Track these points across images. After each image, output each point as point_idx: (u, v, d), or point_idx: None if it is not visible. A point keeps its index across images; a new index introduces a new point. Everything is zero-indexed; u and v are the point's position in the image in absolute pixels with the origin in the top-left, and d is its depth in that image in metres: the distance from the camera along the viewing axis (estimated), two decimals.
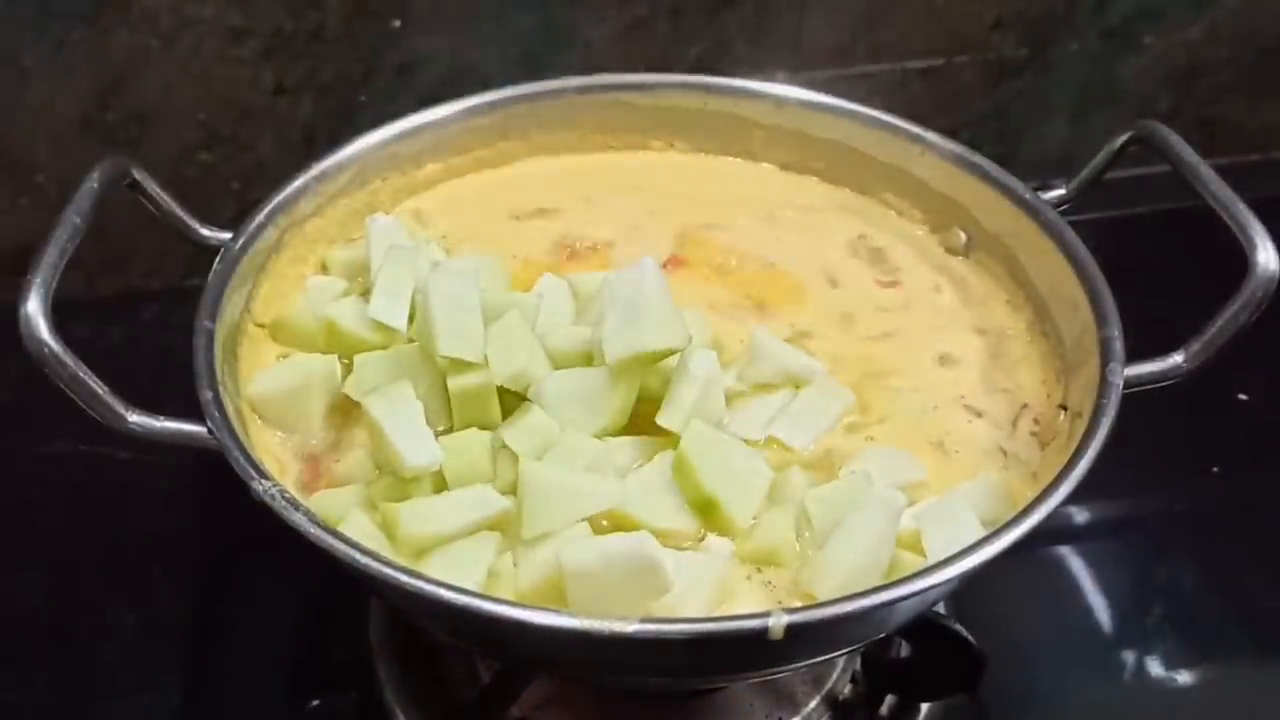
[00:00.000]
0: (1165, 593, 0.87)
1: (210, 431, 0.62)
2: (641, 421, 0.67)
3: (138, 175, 0.72)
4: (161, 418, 0.62)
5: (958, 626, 0.73)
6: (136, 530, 0.89)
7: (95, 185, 0.67)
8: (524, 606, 0.55)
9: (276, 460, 0.68)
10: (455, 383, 0.66)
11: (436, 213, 0.85)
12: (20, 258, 0.64)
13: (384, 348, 0.70)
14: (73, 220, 0.64)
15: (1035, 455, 0.70)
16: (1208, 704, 0.81)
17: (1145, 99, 1.18)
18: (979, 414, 0.72)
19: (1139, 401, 0.65)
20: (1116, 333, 0.68)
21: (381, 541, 0.61)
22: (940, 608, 0.78)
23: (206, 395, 0.63)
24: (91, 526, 0.89)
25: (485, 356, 0.66)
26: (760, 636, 0.53)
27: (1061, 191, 0.80)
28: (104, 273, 1.06)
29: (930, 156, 0.82)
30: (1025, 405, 0.72)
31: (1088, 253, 0.73)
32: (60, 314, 0.60)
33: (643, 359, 0.65)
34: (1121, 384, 0.65)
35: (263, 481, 0.59)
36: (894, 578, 0.57)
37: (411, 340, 0.70)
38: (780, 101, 0.86)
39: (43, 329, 0.59)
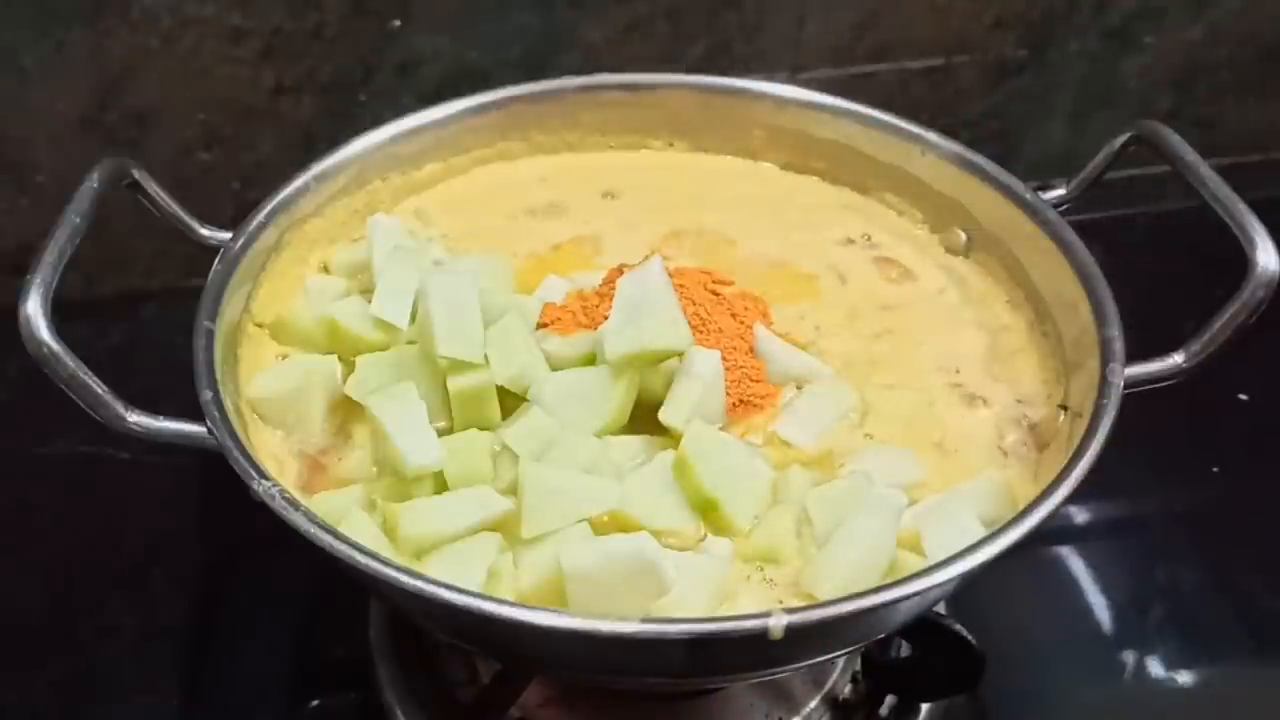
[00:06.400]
0: (1165, 593, 0.87)
1: (210, 431, 0.62)
2: (642, 422, 0.67)
3: (138, 175, 0.72)
4: (161, 418, 0.62)
5: (958, 626, 0.73)
6: (136, 530, 0.89)
7: (95, 185, 0.67)
8: (524, 606, 0.55)
9: (276, 460, 0.68)
10: (455, 383, 0.66)
11: (437, 212, 0.85)
12: (20, 258, 0.64)
13: (385, 348, 0.70)
14: (73, 220, 0.64)
15: (1035, 455, 0.70)
16: (1208, 704, 0.81)
17: (1145, 99, 1.18)
18: (979, 413, 0.72)
19: (1139, 401, 0.65)
20: (1116, 333, 0.68)
21: (382, 541, 0.61)
22: (940, 608, 0.78)
23: (206, 395, 0.63)
24: (91, 526, 0.89)
25: (485, 357, 0.66)
26: (760, 636, 0.53)
27: (1061, 191, 0.80)
28: (104, 273, 1.06)
29: (930, 156, 0.82)
30: (1025, 405, 0.72)
31: (1088, 253, 0.73)
32: (60, 314, 0.60)
33: (643, 358, 0.65)
34: (1121, 384, 0.65)
35: (262, 481, 0.59)
36: (894, 578, 0.57)
37: (412, 341, 0.70)
38: (781, 101, 0.86)
39: (43, 329, 0.59)
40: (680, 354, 0.67)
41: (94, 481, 0.91)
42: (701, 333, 0.70)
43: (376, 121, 0.83)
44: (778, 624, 0.53)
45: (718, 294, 0.75)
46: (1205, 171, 0.70)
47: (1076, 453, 0.62)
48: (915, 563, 0.61)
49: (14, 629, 0.83)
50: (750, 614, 0.54)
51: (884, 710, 0.78)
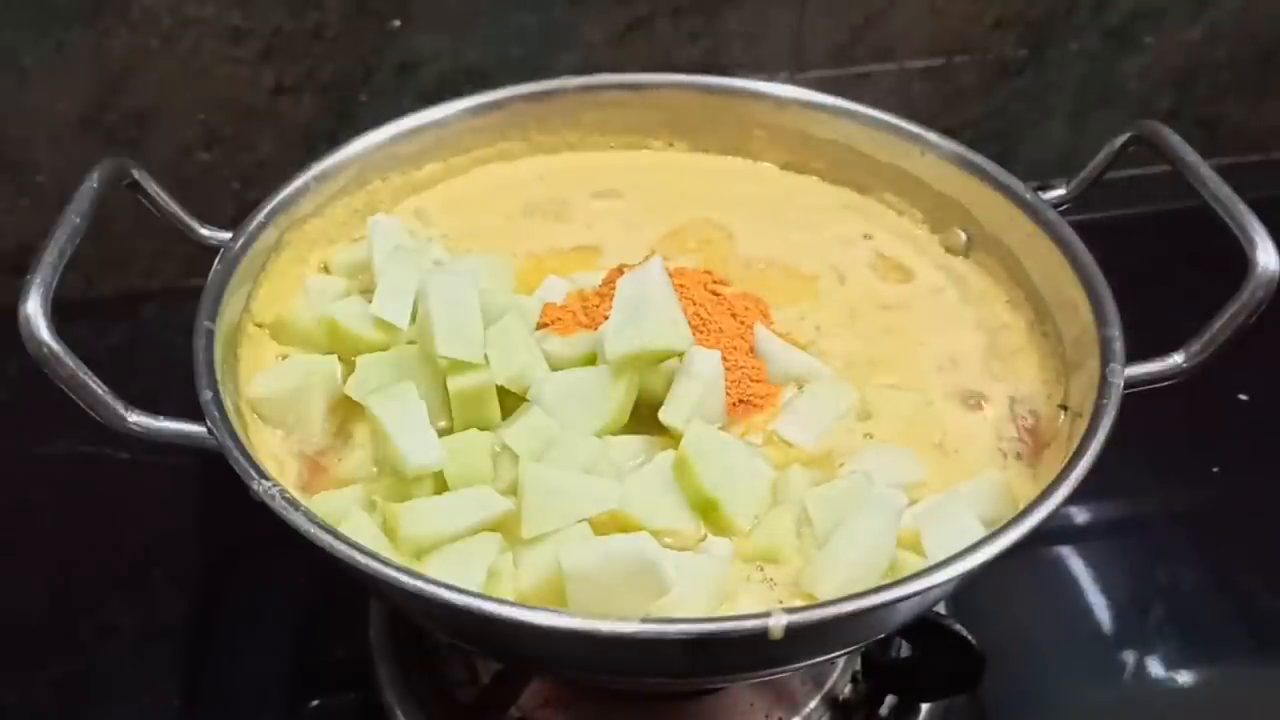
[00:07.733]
0: (1165, 593, 0.87)
1: (210, 431, 0.62)
2: (642, 422, 0.67)
3: (138, 175, 0.72)
4: (161, 418, 0.62)
5: (958, 626, 0.73)
6: (136, 530, 0.89)
7: (95, 185, 0.67)
8: (524, 606, 0.55)
9: (276, 460, 0.68)
10: (455, 383, 0.66)
11: (437, 212, 0.85)
12: (20, 258, 0.64)
13: (385, 348, 0.70)
14: (73, 220, 0.64)
15: (1035, 455, 0.70)
16: (1208, 704, 0.81)
17: (1145, 99, 1.18)
18: (979, 413, 0.72)
19: (1139, 401, 0.65)
20: (1116, 333, 0.68)
21: (382, 541, 0.61)
22: (940, 608, 0.78)
23: (206, 395, 0.63)
24: (91, 526, 0.89)
25: (485, 357, 0.66)
26: (760, 636, 0.53)
27: (1061, 191, 0.80)
28: (104, 273, 1.06)
29: (930, 156, 0.82)
30: (1025, 404, 0.72)
31: (1088, 253, 0.73)
32: (60, 314, 0.60)
33: (643, 358, 0.65)
34: (1121, 384, 0.65)
35: (262, 481, 0.59)
36: (894, 578, 0.57)
37: (412, 341, 0.70)
38: (781, 101, 0.86)
39: (43, 329, 0.59)
40: (680, 354, 0.67)
41: (94, 481, 0.91)
42: (701, 333, 0.70)
43: (376, 121, 0.83)
44: (778, 624, 0.53)
45: (718, 294, 0.75)
46: (1205, 171, 0.70)
47: (1076, 453, 0.62)
48: (915, 563, 0.61)
49: (14, 629, 0.83)
50: (750, 614, 0.54)
51: (884, 710, 0.78)
